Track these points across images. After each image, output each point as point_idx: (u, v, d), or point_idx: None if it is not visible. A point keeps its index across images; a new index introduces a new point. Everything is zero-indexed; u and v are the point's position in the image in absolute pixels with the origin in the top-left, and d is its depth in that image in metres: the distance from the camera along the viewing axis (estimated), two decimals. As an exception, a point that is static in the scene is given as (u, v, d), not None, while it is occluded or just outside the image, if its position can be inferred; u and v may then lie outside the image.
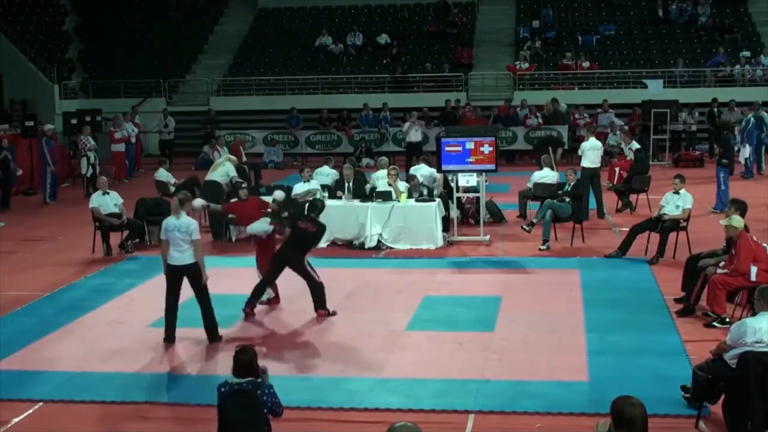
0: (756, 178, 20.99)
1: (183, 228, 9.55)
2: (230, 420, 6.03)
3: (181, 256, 9.59)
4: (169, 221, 9.68)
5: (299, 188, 15.62)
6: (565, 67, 28.40)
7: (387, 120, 26.50)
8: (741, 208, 10.40)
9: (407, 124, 24.59)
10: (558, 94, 26.61)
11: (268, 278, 11.01)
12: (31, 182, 21.67)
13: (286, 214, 11.65)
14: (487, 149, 14.39)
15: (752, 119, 21.74)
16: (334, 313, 10.78)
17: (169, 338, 9.77)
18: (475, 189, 15.25)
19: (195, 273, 9.67)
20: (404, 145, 25.07)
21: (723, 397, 7.26)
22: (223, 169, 15.69)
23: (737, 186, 18.50)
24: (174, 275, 9.73)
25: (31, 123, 22.50)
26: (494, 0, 32.53)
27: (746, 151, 21.14)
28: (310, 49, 30.90)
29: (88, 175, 20.73)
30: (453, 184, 15.07)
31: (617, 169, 19.17)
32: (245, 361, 6.15)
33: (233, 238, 15.34)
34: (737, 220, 10.02)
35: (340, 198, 14.97)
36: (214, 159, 21.07)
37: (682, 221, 13.17)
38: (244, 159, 21.27)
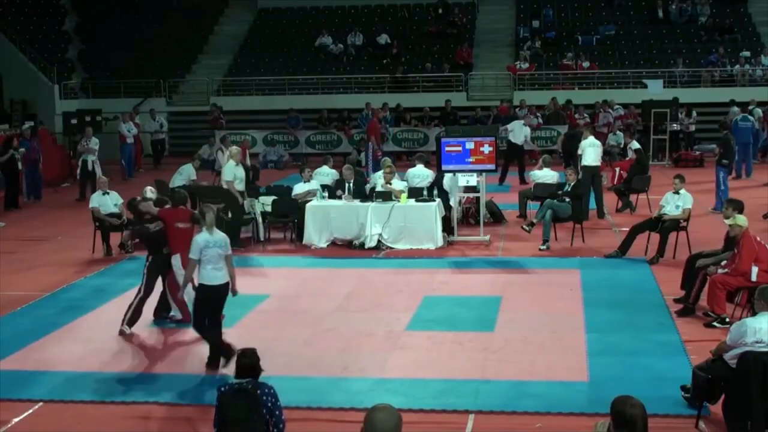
0: (755, 178, 20.96)
1: (223, 243, 8.86)
2: (228, 417, 6.03)
3: (221, 274, 8.82)
4: (204, 238, 8.84)
5: (299, 188, 15.64)
6: (565, 67, 28.41)
7: (387, 120, 26.49)
8: (738, 207, 10.41)
9: (515, 122, 22.08)
10: (558, 94, 26.64)
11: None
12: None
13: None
14: (487, 149, 14.40)
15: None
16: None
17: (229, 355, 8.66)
18: (475, 189, 15.26)
19: (231, 290, 8.99)
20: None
21: (723, 397, 7.27)
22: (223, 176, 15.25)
23: (737, 186, 18.52)
24: (216, 296, 8.94)
25: (31, 123, 22.51)
26: (494, 0, 32.55)
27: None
28: (310, 49, 30.90)
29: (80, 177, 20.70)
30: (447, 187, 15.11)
31: (617, 169, 19.21)
32: (248, 364, 6.14)
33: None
34: (742, 219, 10.02)
35: (340, 198, 14.97)
36: (218, 160, 21.07)
37: (682, 221, 13.17)
38: (248, 161, 21.24)
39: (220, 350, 8.88)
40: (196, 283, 9.12)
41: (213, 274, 8.81)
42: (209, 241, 8.82)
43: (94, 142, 20.94)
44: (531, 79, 28.34)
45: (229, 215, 14.85)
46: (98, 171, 20.31)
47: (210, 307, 8.99)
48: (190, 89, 30.01)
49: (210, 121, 27.43)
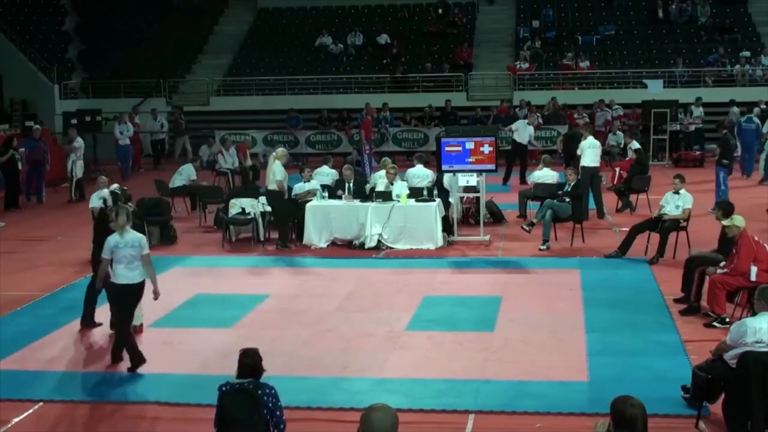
0: (754, 178, 20.95)
1: (136, 243, 8.91)
2: (228, 417, 6.03)
3: (135, 273, 8.91)
4: (115, 239, 8.89)
5: (299, 188, 15.65)
6: (565, 67, 28.41)
7: (387, 120, 26.47)
8: (727, 209, 10.46)
9: (519, 122, 22.24)
10: (558, 94, 26.64)
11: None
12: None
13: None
14: (487, 149, 14.40)
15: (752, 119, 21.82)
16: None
17: (141, 362, 8.98)
18: (475, 189, 15.26)
19: (142, 291, 9.06)
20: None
21: (723, 397, 7.27)
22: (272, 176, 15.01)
23: (737, 186, 18.51)
24: (127, 294, 9.04)
25: (32, 123, 22.48)
26: (494, 0, 32.56)
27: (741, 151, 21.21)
28: (310, 49, 30.90)
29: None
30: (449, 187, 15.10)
31: (617, 169, 19.22)
32: (250, 365, 6.13)
33: (233, 238, 15.33)
34: (739, 219, 10.04)
35: (340, 198, 14.96)
36: (219, 161, 21.05)
37: (682, 221, 13.18)
38: (249, 162, 21.26)
39: (130, 349, 8.98)
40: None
41: (124, 273, 8.92)
42: (119, 241, 8.90)
43: (79, 142, 20.84)
44: (531, 79, 28.33)
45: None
46: (78, 171, 20.25)
47: (121, 305, 9.18)
48: (190, 89, 29.98)
49: (172, 122, 27.38)
